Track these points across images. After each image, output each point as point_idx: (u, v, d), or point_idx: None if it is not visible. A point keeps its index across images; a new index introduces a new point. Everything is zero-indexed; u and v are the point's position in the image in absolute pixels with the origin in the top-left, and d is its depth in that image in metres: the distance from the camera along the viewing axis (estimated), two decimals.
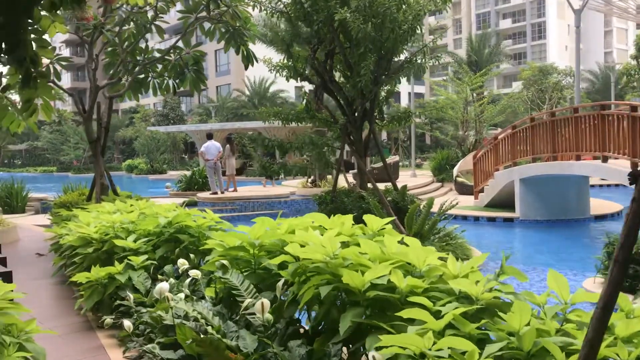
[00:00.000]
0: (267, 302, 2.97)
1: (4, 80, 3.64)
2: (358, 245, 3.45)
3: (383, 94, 9.11)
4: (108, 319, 4.48)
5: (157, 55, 9.30)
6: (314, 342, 3.01)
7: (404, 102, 46.62)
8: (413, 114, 9.24)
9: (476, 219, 13.43)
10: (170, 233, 5.26)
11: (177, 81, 9.46)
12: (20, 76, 3.40)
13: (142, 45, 9.51)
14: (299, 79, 9.37)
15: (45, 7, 3.05)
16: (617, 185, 19.02)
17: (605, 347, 2.13)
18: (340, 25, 8.35)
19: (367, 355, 2.48)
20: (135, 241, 5.23)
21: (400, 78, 8.49)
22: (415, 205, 7.60)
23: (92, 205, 7.50)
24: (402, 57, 9.01)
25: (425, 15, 8.25)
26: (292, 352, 2.93)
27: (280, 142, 9.27)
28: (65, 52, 62.34)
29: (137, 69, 9.17)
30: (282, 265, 3.64)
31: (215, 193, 16.93)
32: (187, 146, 45.63)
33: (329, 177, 17.90)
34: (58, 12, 3.51)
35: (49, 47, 3.29)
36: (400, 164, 28.32)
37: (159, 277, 4.68)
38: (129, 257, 4.97)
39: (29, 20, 3.04)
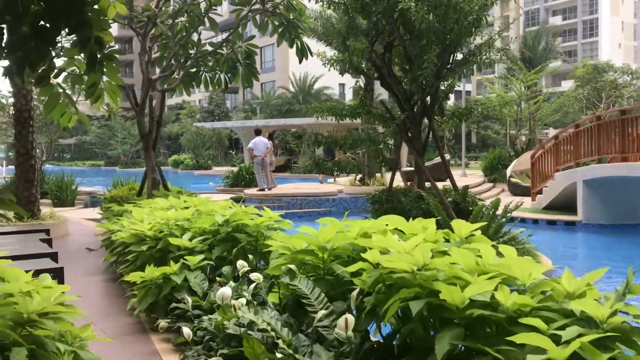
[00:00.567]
0: (351, 319, 2.63)
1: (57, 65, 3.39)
2: (444, 253, 3.07)
3: (442, 88, 8.64)
4: (163, 323, 4.21)
5: (210, 48, 9.10)
6: None
7: (451, 99, 45.66)
8: (476, 110, 8.74)
9: (535, 221, 12.79)
10: (227, 232, 4.97)
11: (229, 75, 9.25)
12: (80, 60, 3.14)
13: (194, 38, 9.33)
14: (354, 72, 8.99)
15: None
16: None
17: None
18: (400, 16, 7.94)
19: None
20: (190, 240, 4.97)
21: (464, 72, 8.00)
22: (480, 206, 7.14)
23: (144, 200, 7.30)
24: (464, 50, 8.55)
25: (492, 5, 7.76)
26: None
27: (334, 139, 8.92)
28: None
29: (189, 62, 8.98)
30: (355, 273, 3.29)
31: (263, 190, 16.73)
32: (231, 142, 45.82)
33: (378, 175, 17.47)
34: None
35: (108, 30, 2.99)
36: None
37: (217, 279, 4.39)
38: (184, 257, 4.71)
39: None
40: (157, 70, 9.79)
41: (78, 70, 3.82)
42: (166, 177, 9.41)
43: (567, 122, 31.93)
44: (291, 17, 8.57)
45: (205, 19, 8.74)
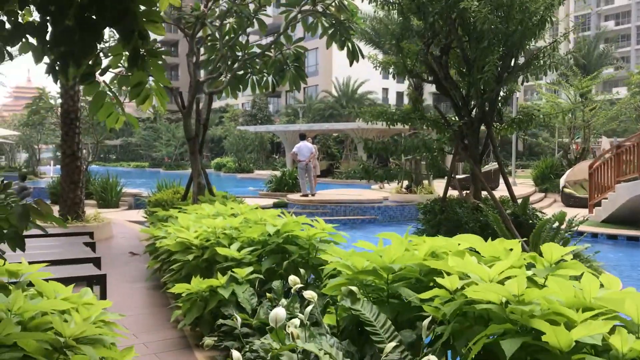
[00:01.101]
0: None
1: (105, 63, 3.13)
2: (532, 281, 2.66)
3: (502, 94, 8.16)
4: (209, 340, 3.89)
5: (257, 50, 8.86)
6: None
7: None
8: (537, 117, 8.22)
9: (594, 235, 12.07)
10: (277, 243, 4.66)
11: (276, 78, 8.99)
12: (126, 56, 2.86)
13: (242, 40, 9.11)
14: (407, 75, 8.58)
15: None
16: None
17: None
18: (458, 16, 7.52)
19: None
20: (239, 250, 4.67)
21: (529, 75, 7.49)
22: (545, 220, 6.63)
23: (190, 206, 7.07)
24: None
25: (560, 5, 7.25)
26: None
27: (385, 145, 8.53)
28: None
29: (236, 64, 8.75)
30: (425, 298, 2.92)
31: (306, 195, 16.43)
32: (273, 146, 45.83)
33: (425, 182, 16.96)
34: None
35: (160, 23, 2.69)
36: None
37: (267, 294, 4.07)
38: (232, 268, 4.42)
39: None
40: (203, 72, 9.61)
41: (125, 71, 3.58)
42: (210, 180, 9.18)
43: (619, 131, 30.60)
44: (342, 19, 8.25)
45: (254, 20, 8.50)
